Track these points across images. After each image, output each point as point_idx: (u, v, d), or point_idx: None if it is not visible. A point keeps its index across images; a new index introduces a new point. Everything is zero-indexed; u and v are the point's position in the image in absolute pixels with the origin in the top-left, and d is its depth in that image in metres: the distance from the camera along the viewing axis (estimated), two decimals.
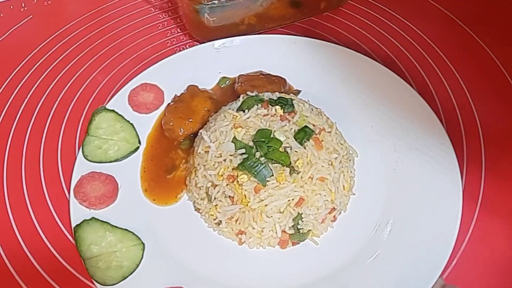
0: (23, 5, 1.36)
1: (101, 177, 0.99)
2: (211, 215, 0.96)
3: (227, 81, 1.18)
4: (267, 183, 0.90)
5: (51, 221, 0.97)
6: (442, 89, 1.16)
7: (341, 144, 1.01)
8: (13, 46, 1.28)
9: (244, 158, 0.91)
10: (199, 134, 1.04)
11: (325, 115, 1.06)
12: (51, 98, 1.17)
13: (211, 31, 1.21)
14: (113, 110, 1.08)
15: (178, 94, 1.12)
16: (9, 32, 1.31)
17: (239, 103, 1.03)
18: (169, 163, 1.06)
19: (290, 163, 0.91)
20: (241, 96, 1.05)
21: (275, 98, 1.02)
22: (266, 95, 1.04)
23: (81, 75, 1.21)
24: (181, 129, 1.06)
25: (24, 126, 1.12)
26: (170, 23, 1.33)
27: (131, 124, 1.08)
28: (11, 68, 1.22)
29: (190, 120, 1.07)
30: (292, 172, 0.91)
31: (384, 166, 1.04)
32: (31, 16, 1.34)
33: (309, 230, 0.94)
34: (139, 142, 1.06)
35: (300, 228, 0.93)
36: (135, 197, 1.00)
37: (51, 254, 0.93)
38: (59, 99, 1.17)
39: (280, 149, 0.92)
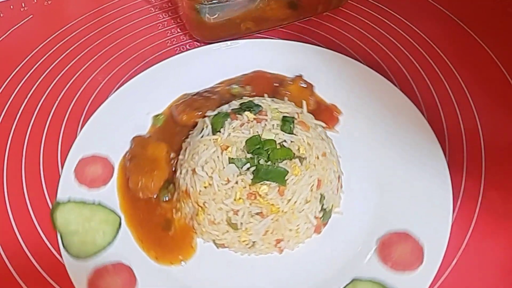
0: (23, 5, 1.36)
1: (108, 268, 0.90)
2: (242, 241, 0.92)
3: (161, 117, 1.11)
4: (287, 181, 0.90)
5: (51, 220, 0.97)
6: (442, 89, 1.16)
7: (314, 118, 1.05)
8: (13, 46, 1.28)
9: (253, 171, 0.90)
10: (178, 178, 0.98)
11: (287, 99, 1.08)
12: (51, 98, 1.17)
13: (211, 31, 1.21)
14: (69, 201, 0.97)
15: (127, 152, 1.04)
16: (9, 32, 1.31)
17: (209, 127, 0.97)
18: (162, 220, 0.97)
19: (294, 153, 0.92)
20: (206, 119, 1.00)
21: (237, 106, 1.00)
22: (225, 108, 1.02)
23: (81, 75, 1.21)
24: (152, 183, 0.98)
25: (24, 126, 1.12)
26: (170, 23, 1.33)
27: (98, 203, 0.97)
28: (11, 68, 1.22)
29: (157, 170, 0.99)
30: (301, 160, 0.92)
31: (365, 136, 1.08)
32: (31, 16, 1.34)
33: (332, 205, 0.97)
34: (118, 216, 0.97)
35: (325, 208, 0.95)
36: (153, 269, 0.92)
37: (51, 254, 0.93)
38: (59, 99, 1.17)
39: (278, 147, 0.92)
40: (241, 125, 0.95)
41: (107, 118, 1.09)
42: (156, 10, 1.36)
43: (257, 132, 0.94)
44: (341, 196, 1.00)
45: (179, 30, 1.31)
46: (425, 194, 0.96)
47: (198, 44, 1.25)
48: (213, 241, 0.95)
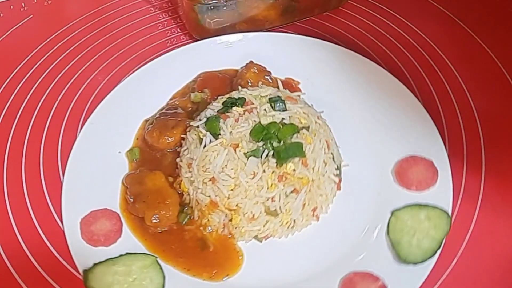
0: (23, 5, 1.36)
1: None
2: (285, 224, 0.94)
3: (135, 150, 1.06)
4: (305, 152, 0.92)
5: (51, 220, 0.97)
6: (442, 88, 1.16)
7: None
8: (13, 46, 1.28)
9: (273, 155, 0.91)
10: (193, 195, 0.96)
11: (261, 84, 1.10)
12: (51, 98, 1.17)
13: (211, 31, 1.21)
14: (95, 265, 0.88)
15: (129, 196, 0.98)
16: (9, 32, 1.31)
17: (208, 135, 0.95)
18: (196, 242, 0.95)
19: (298, 126, 0.95)
20: (200, 129, 0.97)
21: (221, 106, 1.00)
22: (209, 113, 1.00)
23: (81, 75, 1.21)
24: (170, 212, 0.95)
25: (24, 126, 1.12)
26: (170, 23, 1.33)
27: (126, 254, 0.90)
28: (11, 68, 1.22)
29: (168, 198, 0.97)
30: (307, 129, 0.96)
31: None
32: (31, 16, 1.34)
33: (340, 160, 1.03)
34: (153, 255, 0.92)
35: (337, 164, 1.01)
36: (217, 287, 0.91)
37: (51, 254, 0.93)
38: (59, 99, 1.17)
39: (281, 126, 0.94)
40: (236, 120, 0.96)
41: (83, 168, 1.02)
42: (156, 10, 1.36)
43: (255, 121, 0.95)
44: (340, 149, 1.05)
45: (179, 30, 1.32)
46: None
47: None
48: (255, 237, 0.96)
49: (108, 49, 1.26)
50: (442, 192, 0.96)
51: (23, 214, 0.99)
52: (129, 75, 1.16)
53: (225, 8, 1.16)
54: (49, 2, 1.38)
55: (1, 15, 1.35)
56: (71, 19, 1.33)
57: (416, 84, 1.16)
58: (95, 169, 1.02)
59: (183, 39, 1.30)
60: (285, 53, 1.20)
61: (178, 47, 1.25)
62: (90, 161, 1.03)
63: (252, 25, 1.24)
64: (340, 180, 1.02)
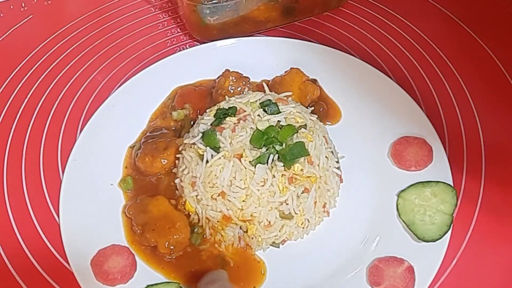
0: (23, 5, 1.36)
1: None
2: (300, 225, 0.95)
3: (128, 179, 1.02)
4: (308, 150, 0.93)
5: (51, 220, 0.98)
6: (442, 89, 1.16)
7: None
8: (13, 46, 1.28)
9: (278, 158, 0.91)
10: (202, 214, 0.94)
11: (247, 87, 1.10)
12: (51, 98, 1.17)
13: (211, 31, 1.21)
14: None
15: (135, 227, 0.94)
16: (9, 32, 1.31)
17: (208, 149, 0.93)
18: (214, 261, 0.93)
19: (296, 126, 0.95)
20: (197, 145, 0.95)
21: (213, 119, 0.99)
22: (203, 128, 0.98)
23: (81, 75, 1.21)
24: (181, 235, 0.92)
25: (24, 126, 1.12)
26: (170, 23, 1.33)
27: (147, 287, 0.88)
28: (11, 68, 1.22)
29: (177, 222, 0.93)
30: (305, 128, 0.97)
31: None
32: (31, 16, 1.34)
33: (337, 153, 1.05)
34: (175, 282, 0.90)
35: (337, 157, 1.03)
36: None
37: (51, 254, 0.94)
38: (59, 99, 1.17)
39: (279, 129, 0.94)
40: (233, 130, 0.95)
41: (79, 209, 0.97)
42: (156, 10, 1.36)
43: (252, 128, 0.95)
44: (337, 144, 1.07)
45: (179, 30, 1.31)
46: None
47: (198, 43, 1.25)
48: (273, 243, 0.95)
49: (108, 49, 1.26)
50: (440, 168, 0.99)
51: (23, 214, 0.99)
52: (104, 101, 1.11)
53: (225, 9, 1.16)
54: (49, 2, 1.37)
55: (1, 15, 1.34)
56: (71, 19, 1.33)
57: (416, 84, 1.16)
58: (91, 206, 0.98)
59: (183, 39, 1.29)
60: (258, 56, 1.17)
61: (178, 47, 1.25)
62: (84, 199, 0.98)
63: (254, 26, 1.24)
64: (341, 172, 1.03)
